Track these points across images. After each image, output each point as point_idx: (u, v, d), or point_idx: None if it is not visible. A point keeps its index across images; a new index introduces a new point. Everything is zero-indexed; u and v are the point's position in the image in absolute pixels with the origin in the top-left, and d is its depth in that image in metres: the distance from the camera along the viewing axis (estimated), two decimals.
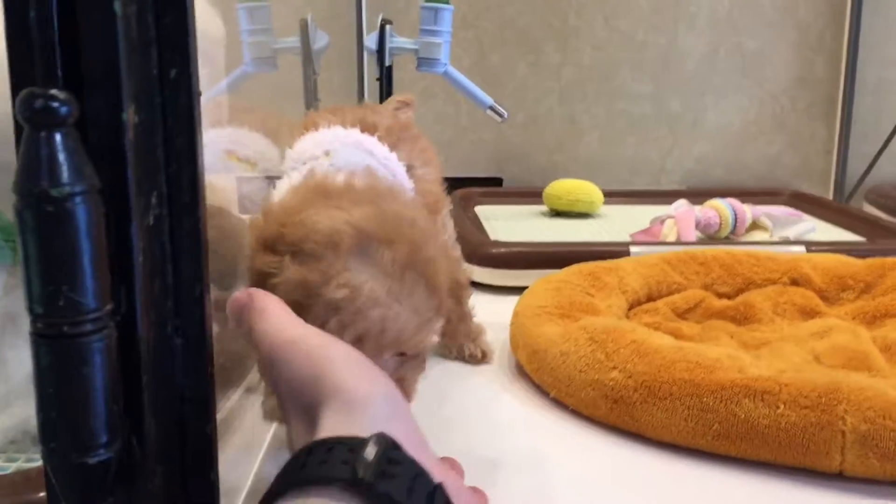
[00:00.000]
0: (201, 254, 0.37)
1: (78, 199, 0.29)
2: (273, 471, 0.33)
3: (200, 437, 0.38)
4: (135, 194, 0.33)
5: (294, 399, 0.38)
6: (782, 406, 0.53)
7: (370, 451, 0.32)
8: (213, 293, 0.40)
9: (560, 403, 0.64)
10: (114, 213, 0.32)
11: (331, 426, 0.35)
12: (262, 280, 0.45)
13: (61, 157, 0.29)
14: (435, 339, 0.47)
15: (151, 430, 0.35)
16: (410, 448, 0.34)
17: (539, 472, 0.55)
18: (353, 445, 0.33)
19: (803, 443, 0.53)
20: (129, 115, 0.32)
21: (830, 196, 1.39)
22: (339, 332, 0.43)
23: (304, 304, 0.43)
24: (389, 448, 0.33)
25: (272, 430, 0.63)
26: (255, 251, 0.47)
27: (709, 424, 0.55)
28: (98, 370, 0.31)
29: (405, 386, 0.47)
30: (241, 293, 0.43)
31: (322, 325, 0.42)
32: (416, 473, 0.33)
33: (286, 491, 0.32)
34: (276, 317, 0.41)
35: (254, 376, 0.69)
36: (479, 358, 0.72)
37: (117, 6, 0.30)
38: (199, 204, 0.36)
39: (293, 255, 0.44)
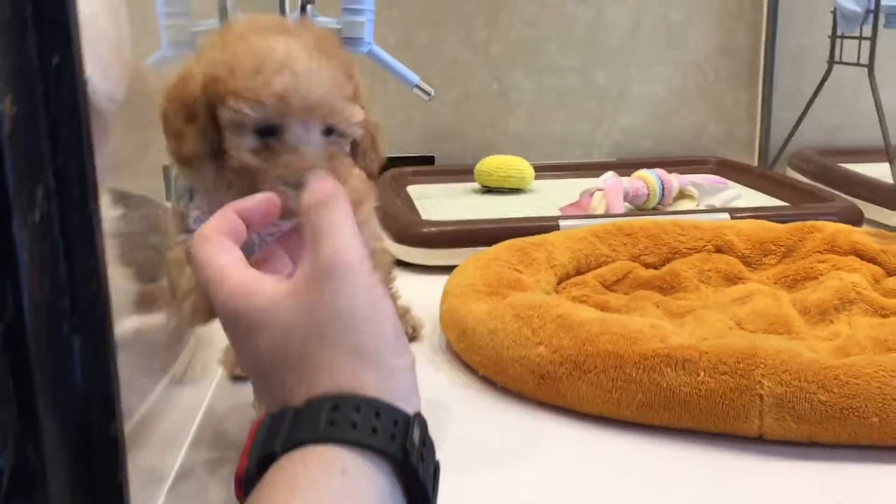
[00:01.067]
0: (96, 248, 0.36)
1: None
2: (201, 455, 0.32)
3: (105, 438, 0.37)
4: (15, 189, 0.31)
5: (261, 360, 0.37)
6: (702, 373, 0.54)
7: (416, 435, 0.34)
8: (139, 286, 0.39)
9: (490, 381, 0.64)
10: None
11: (335, 384, 0.35)
12: (183, 85, 0.46)
13: None
14: (357, 114, 0.46)
15: (49, 434, 0.34)
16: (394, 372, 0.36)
17: (470, 450, 0.55)
18: (400, 419, 0.34)
19: (723, 408, 0.53)
20: (6, 106, 0.30)
21: (755, 163, 1.42)
22: (265, 90, 0.43)
23: (226, 74, 0.44)
24: (425, 430, 0.35)
25: (199, 417, 0.62)
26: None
27: (633, 395, 0.56)
28: None
29: (338, 168, 0.46)
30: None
31: (246, 89, 0.43)
32: (435, 456, 0.35)
33: (327, 439, 0.33)
34: (212, 265, 0.39)
35: (178, 368, 0.68)
36: (409, 335, 0.72)
37: None
38: (89, 198, 0.35)
39: (211, 44, 0.46)
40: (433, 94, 1.12)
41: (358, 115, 0.47)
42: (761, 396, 0.53)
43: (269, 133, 0.45)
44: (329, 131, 0.46)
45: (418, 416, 0.35)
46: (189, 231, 0.48)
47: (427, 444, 0.35)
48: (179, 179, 0.50)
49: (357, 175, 0.58)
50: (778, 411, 0.52)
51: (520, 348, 0.61)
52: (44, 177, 0.33)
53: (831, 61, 1.19)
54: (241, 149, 0.45)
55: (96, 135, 0.39)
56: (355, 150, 0.50)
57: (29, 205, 0.32)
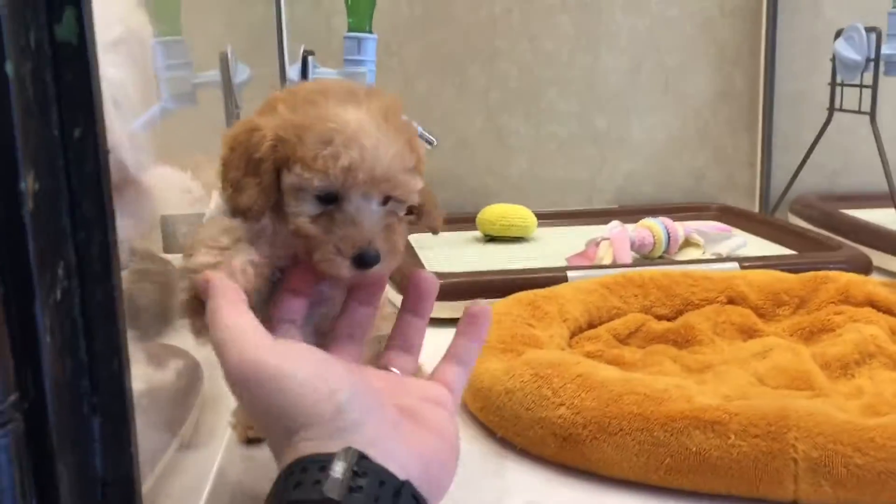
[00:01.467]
0: (118, 324, 0.34)
1: None
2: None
3: None
4: (37, 269, 0.30)
5: (268, 428, 0.39)
6: (733, 436, 0.53)
7: (338, 468, 0.35)
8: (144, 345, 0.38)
9: (508, 443, 0.62)
10: (14, 292, 0.29)
11: (309, 447, 0.37)
12: (248, 137, 0.46)
13: None
14: (417, 185, 0.47)
15: None
16: (384, 435, 0.38)
17: None
18: (324, 463, 0.35)
19: (756, 473, 0.52)
20: (28, 184, 0.29)
21: (756, 208, 1.41)
22: (332, 162, 0.44)
23: (294, 141, 0.45)
24: (356, 460, 0.35)
25: (210, 482, 0.59)
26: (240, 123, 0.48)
27: (660, 458, 0.54)
28: (5, 470, 0.28)
29: (393, 238, 0.47)
30: (200, 279, 0.44)
31: (314, 159, 0.44)
32: (381, 480, 0.35)
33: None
34: (231, 327, 0.41)
35: (187, 429, 0.66)
36: None
37: (9, 67, 0.27)
38: (112, 272, 0.33)
39: (283, 102, 0.47)
40: (435, 143, 1.11)
41: (418, 185, 0.47)
42: (795, 460, 0.51)
43: (329, 200, 0.46)
44: (387, 200, 0.47)
45: (347, 450, 0.36)
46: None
47: (360, 472, 0.35)
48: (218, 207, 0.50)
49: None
50: (813, 476, 0.51)
51: (540, 409, 0.59)
52: (65, 253, 0.32)
53: (831, 108, 1.19)
54: (301, 214, 0.46)
55: (132, 202, 0.38)
56: (418, 213, 0.50)
57: (51, 283, 0.31)
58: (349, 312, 0.48)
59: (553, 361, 0.63)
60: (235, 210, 0.47)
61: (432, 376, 0.47)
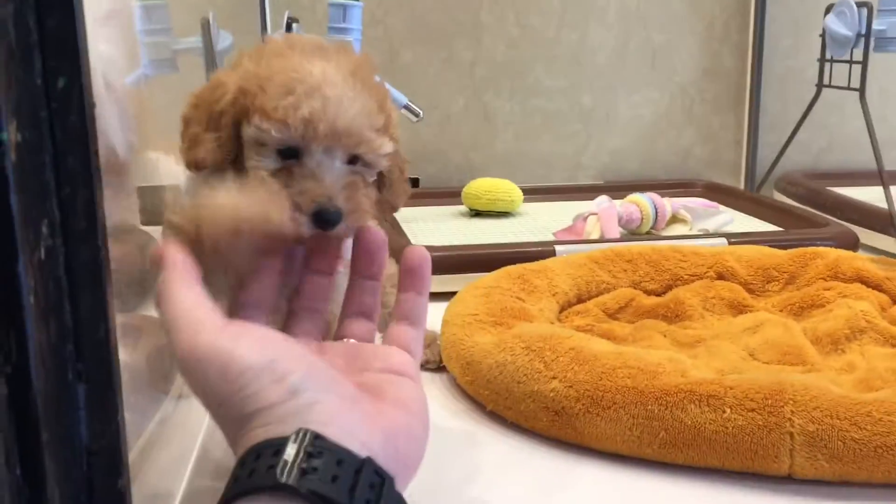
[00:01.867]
0: (104, 287, 0.32)
1: None
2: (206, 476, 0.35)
3: (111, 494, 0.33)
4: (21, 225, 0.28)
5: (220, 416, 0.37)
6: (728, 410, 0.52)
7: (290, 451, 0.33)
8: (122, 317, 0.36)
9: (498, 416, 0.61)
10: None
11: (263, 433, 0.35)
12: (211, 93, 0.44)
13: None
14: (385, 147, 0.45)
15: (55, 495, 0.30)
16: (342, 413, 0.36)
17: (481, 489, 0.52)
18: (277, 447, 0.33)
19: (751, 447, 0.51)
20: (11, 134, 0.27)
21: (741, 186, 1.41)
22: (293, 112, 0.42)
23: (256, 90, 0.43)
24: (310, 441, 0.33)
25: (201, 434, 0.58)
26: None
27: (655, 432, 0.53)
28: None
29: (356, 197, 0.44)
30: (156, 250, 0.41)
31: (274, 109, 0.42)
32: (339, 458, 0.33)
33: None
34: (180, 304, 0.38)
35: (178, 388, 0.65)
36: (438, 363, 0.69)
37: None
38: (97, 230, 0.32)
39: (248, 57, 0.45)
40: (422, 115, 1.09)
41: (386, 147, 0.45)
42: (791, 434, 0.50)
43: (290, 155, 0.44)
44: (354, 160, 0.44)
45: (299, 432, 0.34)
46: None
47: (315, 453, 0.33)
48: (191, 183, 0.48)
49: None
50: (809, 450, 0.50)
51: (532, 383, 0.58)
52: (49, 209, 0.30)
53: (820, 85, 1.19)
54: (261, 168, 0.44)
55: (120, 186, 0.36)
56: (381, 182, 0.47)
57: (34, 241, 0.29)
58: (307, 284, 0.45)
59: (545, 335, 0.62)
60: (190, 164, 0.45)
61: (386, 340, 0.45)
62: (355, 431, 0.35)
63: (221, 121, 0.44)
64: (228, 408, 0.36)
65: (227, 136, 0.44)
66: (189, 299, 0.38)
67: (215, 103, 0.44)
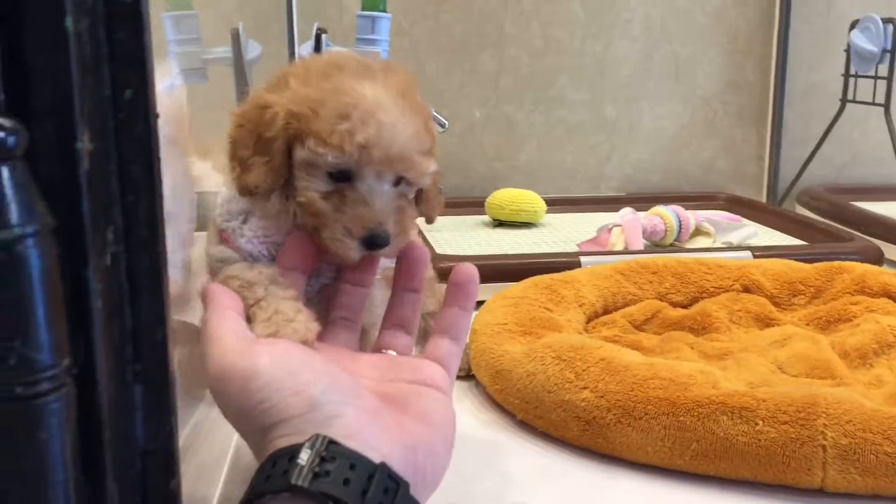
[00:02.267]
0: (163, 292, 0.33)
1: (30, 242, 0.26)
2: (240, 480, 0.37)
3: (164, 496, 0.34)
4: (91, 231, 0.29)
5: (243, 427, 0.39)
6: (761, 422, 0.52)
7: (304, 456, 0.34)
8: None
9: (528, 426, 0.61)
10: (68, 253, 0.28)
11: (282, 443, 0.36)
12: (259, 114, 0.44)
13: (9, 193, 0.25)
14: (431, 168, 0.46)
15: (113, 494, 0.31)
16: (362, 426, 0.36)
17: (512, 499, 0.52)
18: (292, 453, 0.34)
19: (783, 459, 0.51)
20: (84, 143, 0.28)
21: (763, 199, 1.41)
22: (348, 138, 0.42)
23: (309, 116, 0.43)
24: (324, 446, 0.34)
25: (233, 441, 0.59)
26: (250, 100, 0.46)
27: (686, 444, 0.54)
28: (56, 435, 0.27)
29: (404, 221, 0.45)
30: (202, 289, 0.44)
31: (330, 133, 0.42)
32: (353, 463, 0.34)
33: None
34: (212, 336, 0.41)
35: (205, 405, 0.65)
36: (468, 371, 0.70)
37: (69, 22, 0.27)
38: (158, 237, 0.33)
39: (295, 77, 0.45)
40: (447, 126, 1.10)
41: (432, 167, 0.46)
42: (824, 447, 0.51)
43: (342, 178, 0.44)
44: (399, 180, 0.45)
45: (314, 438, 0.35)
46: (237, 250, 0.48)
47: (329, 457, 0.34)
48: (234, 202, 0.48)
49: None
50: (842, 463, 0.50)
51: (563, 392, 0.59)
52: (114, 216, 0.31)
53: (844, 100, 1.19)
54: (312, 190, 0.44)
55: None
56: (419, 198, 0.49)
57: (102, 247, 0.30)
58: (343, 295, 0.46)
59: (575, 345, 0.62)
60: (243, 189, 0.45)
61: (424, 354, 0.45)
62: (375, 444, 0.36)
63: (273, 145, 0.44)
64: (251, 421, 0.37)
65: (279, 162, 0.44)
66: (222, 328, 0.41)
67: (265, 126, 0.44)
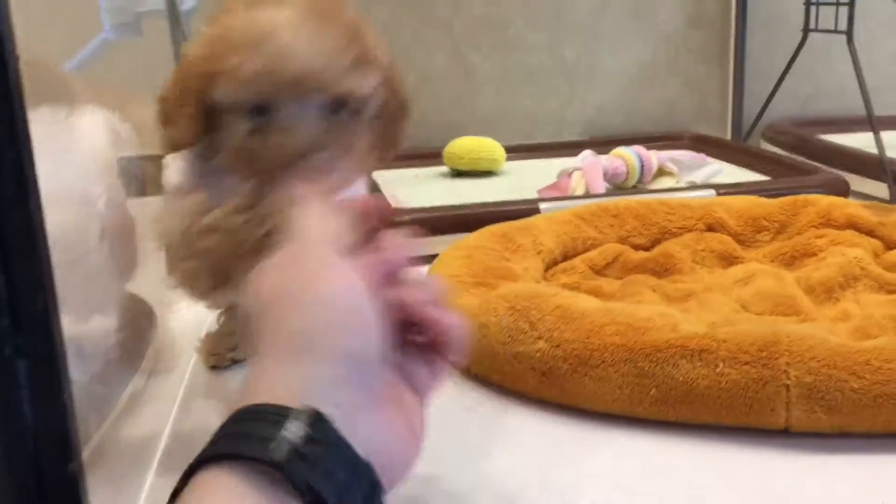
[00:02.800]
0: (41, 254, 0.30)
1: None
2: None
3: (61, 480, 0.31)
4: None
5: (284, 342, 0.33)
6: (721, 364, 0.50)
7: (291, 429, 0.30)
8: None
9: (484, 380, 0.59)
10: None
11: (271, 373, 0.32)
12: (181, 69, 0.43)
13: None
14: (366, 81, 0.42)
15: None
16: (358, 402, 0.32)
17: (470, 456, 0.50)
18: (278, 418, 0.30)
19: (746, 401, 0.49)
20: None
21: (728, 136, 1.39)
22: (245, 67, 0.40)
23: (216, 55, 0.41)
24: (315, 423, 0.30)
25: (172, 414, 0.56)
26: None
27: (645, 390, 0.51)
28: None
29: (344, 140, 0.42)
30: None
31: (232, 69, 0.41)
32: (340, 453, 0.30)
33: (200, 466, 0.30)
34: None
35: (150, 363, 0.62)
36: None
37: None
38: (29, 194, 0.29)
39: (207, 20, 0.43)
40: None
41: (366, 83, 0.42)
42: (787, 387, 0.48)
43: (262, 113, 0.41)
44: (338, 107, 0.42)
45: (306, 412, 0.30)
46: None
47: (316, 439, 0.30)
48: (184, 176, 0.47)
49: None
50: (807, 402, 0.48)
51: (517, 344, 0.56)
52: None
53: (806, 29, 1.16)
54: (233, 131, 0.42)
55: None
56: (381, 118, 0.46)
57: None
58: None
59: (530, 293, 0.59)
60: (169, 146, 0.45)
61: None
62: (367, 435, 0.32)
63: (191, 94, 0.42)
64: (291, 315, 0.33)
65: (199, 109, 0.42)
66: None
67: (183, 77, 0.43)
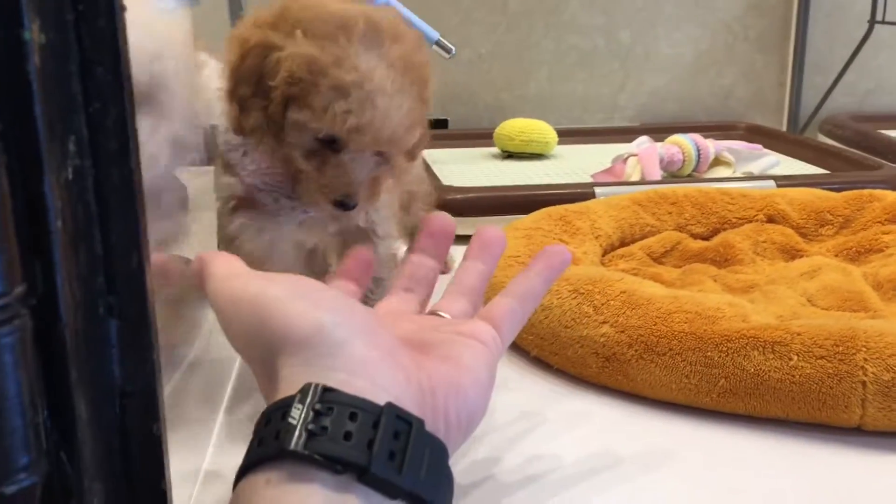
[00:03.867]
0: (138, 213, 0.29)
1: None
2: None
3: (147, 439, 0.31)
4: (46, 139, 0.25)
5: (250, 353, 0.35)
6: (795, 357, 0.49)
7: (295, 413, 0.30)
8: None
9: (543, 363, 0.58)
10: (19, 164, 0.24)
11: (287, 377, 0.33)
12: (262, 54, 0.45)
13: None
14: (415, 139, 0.48)
15: (86, 439, 0.28)
16: (371, 360, 0.32)
17: (528, 441, 0.49)
18: (285, 409, 0.31)
19: (819, 396, 0.48)
20: (34, 34, 0.24)
21: (784, 127, 1.36)
22: (342, 119, 0.44)
23: (309, 83, 0.44)
24: (319, 397, 0.30)
25: (223, 406, 0.56)
26: (252, 28, 0.46)
27: (714, 380, 0.50)
28: (10, 373, 0.24)
29: (376, 188, 0.48)
30: (195, 259, 0.39)
31: (324, 109, 0.44)
32: (353, 411, 0.30)
33: (237, 482, 0.31)
34: (221, 273, 0.37)
35: (196, 351, 0.62)
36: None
37: None
38: (130, 151, 0.29)
39: (303, 33, 0.44)
40: (454, 52, 1.05)
41: (416, 138, 0.48)
42: (864, 383, 0.47)
43: (328, 144, 0.46)
44: (388, 158, 0.48)
45: (306, 388, 0.31)
46: (243, 183, 0.50)
47: (323, 410, 0.30)
48: (231, 135, 0.49)
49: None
50: (883, 399, 0.47)
51: (580, 327, 0.55)
52: (76, 125, 0.27)
53: (872, 21, 1.13)
54: (298, 148, 0.46)
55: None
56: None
57: (61, 159, 0.26)
58: (407, 265, 0.46)
59: (594, 277, 0.58)
60: (238, 129, 0.47)
61: (479, 314, 0.42)
62: (383, 382, 0.32)
63: (272, 94, 0.44)
64: (257, 345, 0.34)
65: (274, 112, 0.45)
66: (232, 266, 0.38)
67: (268, 73, 0.44)
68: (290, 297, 0.34)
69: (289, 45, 0.44)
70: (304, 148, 0.46)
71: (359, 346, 0.33)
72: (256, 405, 0.52)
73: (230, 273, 0.37)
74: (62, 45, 0.26)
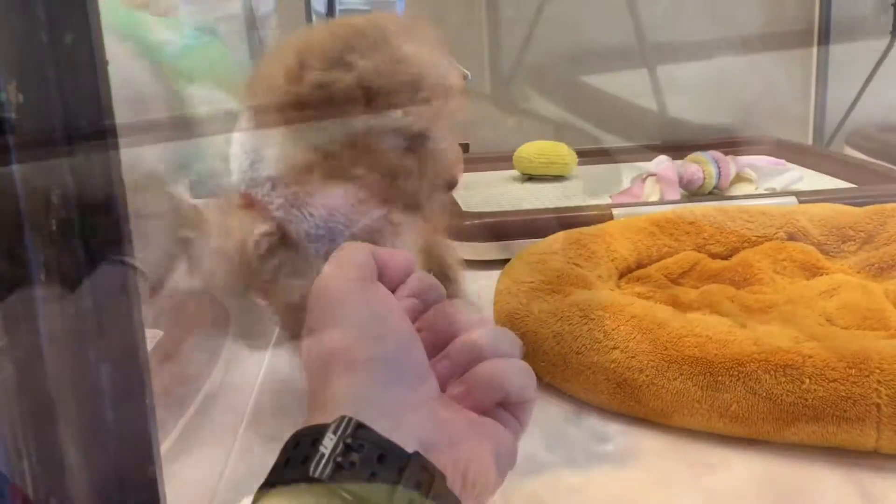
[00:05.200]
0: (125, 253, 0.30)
1: None
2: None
3: (142, 485, 0.31)
4: (26, 194, 0.26)
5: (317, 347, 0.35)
6: (807, 380, 0.48)
7: (327, 443, 0.30)
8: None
9: (556, 389, 0.58)
10: None
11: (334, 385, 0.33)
12: (327, 85, 0.46)
13: None
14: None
15: (81, 486, 0.28)
16: (408, 409, 0.33)
17: (541, 468, 0.49)
18: (316, 436, 0.31)
19: (833, 420, 0.47)
20: (11, 93, 0.25)
21: (809, 141, 1.34)
22: (425, 107, 0.47)
23: (387, 89, 0.46)
24: (351, 431, 0.31)
25: (242, 427, 0.56)
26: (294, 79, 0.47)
27: (725, 405, 0.50)
28: None
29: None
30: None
31: (409, 103, 0.46)
32: (381, 453, 0.31)
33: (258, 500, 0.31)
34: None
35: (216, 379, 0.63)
36: None
37: None
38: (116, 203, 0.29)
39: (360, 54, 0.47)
40: (470, 77, 1.05)
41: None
42: (878, 406, 0.46)
43: (414, 138, 0.48)
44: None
45: (340, 421, 0.31)
46: (272, 219, 0.50)
47: (354, 446, 0.30)
48: (260, 166, 0.51)
49: None
50: None
51: (591, 353, 0.55)
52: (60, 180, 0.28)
53: (894, 32, 1.11)
54: (390, 149, 0.48)
55: None
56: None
57: (45, 212, 0.27)
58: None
59: (604, 302, 0.58)
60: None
61: None
62: (414, 430, 0.33)
63: (349, 108, 0.47)
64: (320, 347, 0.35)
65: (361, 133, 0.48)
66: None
67: (337, 92, 0.46)
68: (360, 322, 0.35)
69: (349, 74, 0.46)
70: (397, 149, 0.48)
71: (395, 393, 0.34)
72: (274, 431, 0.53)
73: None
74: (43, 98, 0.27)
